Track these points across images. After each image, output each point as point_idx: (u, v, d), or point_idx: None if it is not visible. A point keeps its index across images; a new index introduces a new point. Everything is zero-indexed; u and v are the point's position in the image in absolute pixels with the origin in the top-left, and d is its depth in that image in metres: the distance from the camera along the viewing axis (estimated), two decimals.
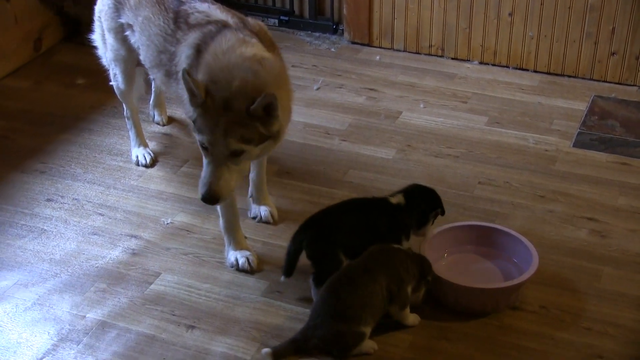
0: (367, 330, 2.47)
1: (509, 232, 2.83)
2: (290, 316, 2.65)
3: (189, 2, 2.82)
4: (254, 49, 2.56)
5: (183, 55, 2.68)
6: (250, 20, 2.76)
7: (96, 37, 3.20)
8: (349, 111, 3.78)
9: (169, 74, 2.81)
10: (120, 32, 3.00)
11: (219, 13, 2.75)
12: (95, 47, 3.28)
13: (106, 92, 3.89)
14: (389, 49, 4.28)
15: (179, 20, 2.78)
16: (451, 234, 2.84)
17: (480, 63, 4.14)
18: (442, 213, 2.79)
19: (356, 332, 2.44)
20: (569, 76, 4.01)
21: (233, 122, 2.40)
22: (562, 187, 3.26)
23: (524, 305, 2.68)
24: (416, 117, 3.72)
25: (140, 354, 2.53)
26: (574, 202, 3.17)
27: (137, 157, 3.36)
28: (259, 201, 3.08)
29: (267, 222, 3.05)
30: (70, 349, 2.55)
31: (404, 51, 4.25)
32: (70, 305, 2.71)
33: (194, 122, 2.49)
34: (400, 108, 3.79)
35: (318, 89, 3.95)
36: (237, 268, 2.83)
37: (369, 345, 2.50)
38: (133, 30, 2.95)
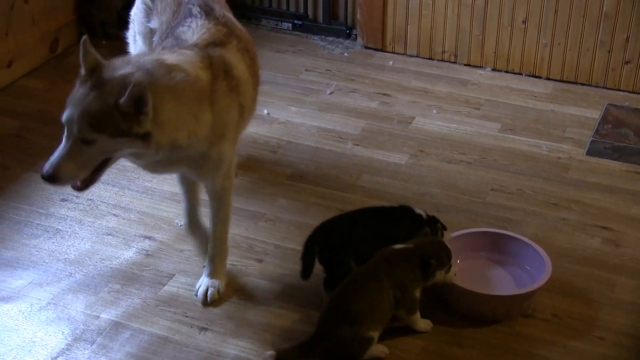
0: (375, 334, 2.47)
1: (521, 239, 2.83)
2: (303, 319, 2.66)
3: (195, 16, 2.69)
4: (181, 59, 2.40)
5: None
6: (219, 50, 2.54)
7: (129, 36, 3.16)
8: (362, 116, 3.79)
9: None
10: (148, 37, 2.96)
11: (195, 35, 2.59)
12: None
13: None
14: (402, 54, 4.28)
15: (173, 31, 2.70)
16: (464, 241, 2.84)
17: (493, 70, 4.14)
18: (445, 228, 2.81)
19: (364, 337, 2.45)
20: (582, 84, 4.01)
21: (94, 105, 2.22)
22: (576, 195, 3.26)
23: (536, 313, 2.69)
24: (429, 123, 3.73)
25: (154, 355, 2.54)
26: (587, 210, 3.17)
27: None
28: (208, 271, 2.76)
29: (202, 304, 2.72)
30: (84, 349, 2.56)
31: (417, 57, 4.26)
32: (85, 305, 2.72)
33: None
34: (413, 113, 3.80)
35: (331, 93, 3.96)
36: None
37: (379, 349, 2.51)
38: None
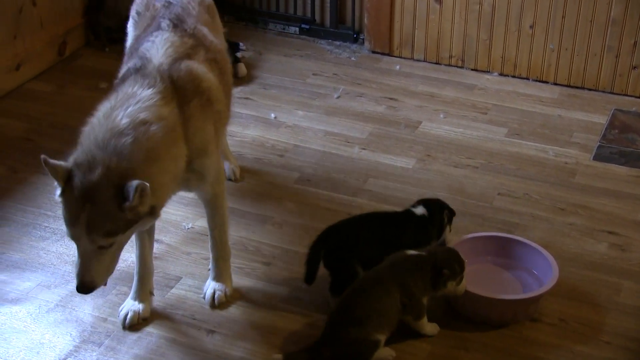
0: (382, 338, 2.48)
1: (528, 243, 2.83)
2: (310, 323, 2.66)
3: (162, 29, 2.58)
4: (136, 109, 2.28)
5: None
6: (185, 64, 2.45)
7: (127, 46, 3.09)
8: (369, 120, 3.79)
9: None
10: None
11: (160, 51, 2.47)
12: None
13: None
14: (409, 58, 4.29)
15: (138, 47, 2.56)
16: (470, 245, 2.84)
17: (500, 74, 4.15)
18: (453, 213, 2.82)
19: (370, 340, 2.45)
20: (589, 89, 4.01)
21: (96, 215, 2.18)
22: (582, 200, 3.26)
23: (543, 317, 2.69)
24: (436, 127, 3.74)
25: (161, 357, 2.55)
26: (594, 215, 3.17)
27: None
28: (213, 275, 2.77)
29: (210, 307, 2.73)
30: (92, 350, 2.57)
31: (424, 61, 4.27)
32: (92, 307, 2.73)
33: None
34: (420, 118, 3.81)
35: (338, 97, 3.97)
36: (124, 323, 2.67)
37: (386, 352, 2.51)
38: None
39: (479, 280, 2.76)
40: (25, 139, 3.65)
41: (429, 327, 2.60)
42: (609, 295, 2.78)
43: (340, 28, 4.46)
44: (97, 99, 3.90)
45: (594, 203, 3.24)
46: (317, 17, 4.51)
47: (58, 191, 2.23)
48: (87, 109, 3.84)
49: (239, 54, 4.25)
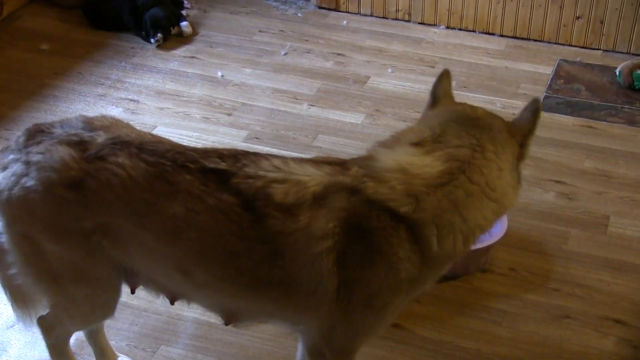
0: None
1: None
2: None
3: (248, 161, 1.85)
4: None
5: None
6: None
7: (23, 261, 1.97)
8: (317, 76, 3.76)
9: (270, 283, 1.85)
10: (83, 239, 1.88)
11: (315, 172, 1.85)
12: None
13: (70, 58, 3.84)
14: (356, 13, 4.26)
15: (255, 204, 1.79)
16: None
17: (447, 28, 4.14)
18: None
19: None
20: (535, 40, 4.04)
21: None
22: (530, 151, 3.28)
23: (493, 267, 2.73)
24: (384, 82, 3.73)
25: (111, 320, 2.51)
26: (541, 165, 3.21)
27: None
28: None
29: None
30: None
31: (371, 16, 4.24)
32: None
33: None
34: (369, 73, 3.79)
35: (286, 54, 3.93)
36: None
37: None
38: (116, 236, 1.87)
39: None
40: None
41: None
42: (557, 244, 2.83)
43: None
44: (38, 61, 3.84)
45: (541, 153, 3.27)
46: None
47: None
48: (29, 71, 3.77)
49: (183, 12, 4.17)
